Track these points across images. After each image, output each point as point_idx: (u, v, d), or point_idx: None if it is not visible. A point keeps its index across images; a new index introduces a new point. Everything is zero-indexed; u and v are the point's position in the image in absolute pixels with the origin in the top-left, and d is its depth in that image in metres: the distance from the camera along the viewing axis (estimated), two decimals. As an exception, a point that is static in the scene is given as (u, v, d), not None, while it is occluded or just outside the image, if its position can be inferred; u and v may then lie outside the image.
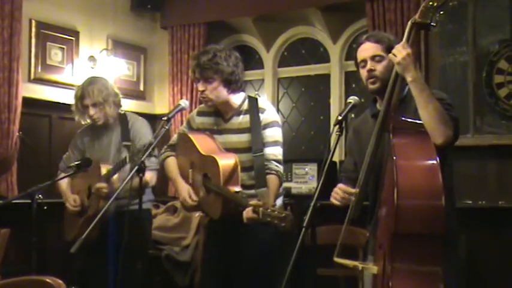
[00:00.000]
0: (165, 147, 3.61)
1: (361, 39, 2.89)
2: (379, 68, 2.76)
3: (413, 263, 2.38)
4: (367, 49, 2.81)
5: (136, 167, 3.07)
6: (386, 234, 2.44)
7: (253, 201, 2.95)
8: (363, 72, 2.81)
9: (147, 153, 3.17)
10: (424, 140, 2.50)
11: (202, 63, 3.26)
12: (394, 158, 2.40)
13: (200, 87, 3.32)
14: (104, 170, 3.95)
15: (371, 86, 2.79)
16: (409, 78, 2.55)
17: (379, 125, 2.59)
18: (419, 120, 2.56)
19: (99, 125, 4.08)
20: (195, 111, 3.57)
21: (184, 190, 3.37)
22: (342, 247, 2.66)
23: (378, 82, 2.76)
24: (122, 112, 4.14)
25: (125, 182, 3.14)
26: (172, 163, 3.52)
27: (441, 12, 2.57)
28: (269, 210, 2.83)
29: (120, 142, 4.07)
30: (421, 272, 2.38)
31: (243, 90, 3.45)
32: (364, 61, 2.80)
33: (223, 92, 3.32)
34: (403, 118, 2.59)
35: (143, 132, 4.06)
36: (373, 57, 2.78)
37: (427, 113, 2.52)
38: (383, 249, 2.46)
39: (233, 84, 3.32)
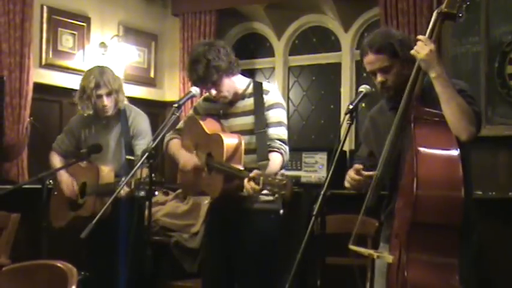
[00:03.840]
0: (172, 131, 3.62)
1: (363, 45, 2.79)
2: (390, 77, 2.70)
3: (429, 253, 2.38)
4: (372, 62, 2.72)
5: (146, 153, 3.07)
6: (403, 224, 2.44)
7: (254, 172, 2.95)
8: (375, 80, 2.76)
9: (158, 139, 3.18)
10: (445, 131, 2.47)
11: (202, 74, 3.24)
12: (415, 147, 2.40)
13: (213, 92, 3.33)
14: (103, 171, 3.97)
15: (385, 95, 2.76)
16: (432, 75, 2.51)
17: (401, 115, 2.57)
18: (440, 110, 2.54)
19: (101, 117, 4.08)
20: (201, 98, 3.59)
21: (186, 157, 3.39)
22: (356, 236, 2.66)
23: (392, 90, 2.72)
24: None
25: (135, 169, 3.14)
26: (175, 143, 3.56)
27: (468, 3, 2.53)
28: (269, 179, 2.83)
29: (119, 140, 4.08)
30: (437, 263, 2.38)
31: (246, 75, 3.47)
32: (373, 72, 2.75)
33: (232, 84, 3.35)
34: (425, 108, 2.57)
35: (143, 129, 4.08)
36: (380, 70, 2.71)
37: (450, 110, 2.48)
38: (399, 238, 2.46)
39: (233, 69, 3.33)
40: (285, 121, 3.38)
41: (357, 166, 2.75)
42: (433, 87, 2.55)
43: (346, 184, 2.79)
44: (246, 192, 3.00)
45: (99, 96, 3.97)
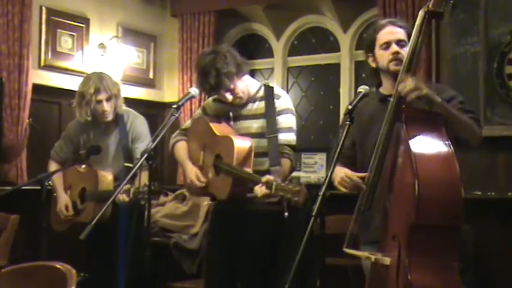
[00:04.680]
0: (178, 131, 3.62)
1: (380, 22, 2.94)
2: (403, 52, 2.79)
3: (431, 255, 2.39)
4: (394, 32, 2.86)
5: (145, 155, 3.07)
6: (402, 226, 2.43)
7: (266, 177, 2.95)
8: (384, 54, 2.85)
9: (156, 141, 3.17)
10: (436, 130, 2.51)
11: (215, 84, 3.25)
12: (411, 148, 2.41)
13: (229, 97, 3.33)
14: (103, 177, 3.97)
15: (394, 67, 2.81)
16: (437, 101, 2.57)
17: (391, 115, 2.59)
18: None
19: (100, 122, 4.08)
20: (210, 98, 3.59)
21: (192, 172, 3.38)
22: (352, 238, 2.66)
23: (400, 65, 2.76)
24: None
25: (134, 170, 3.14)
26: (182, 147, 3.54)
27: (451, 1, 2.57)
28: (282, 185, 2.83)
29: (118, 145, 4.08)
30: (439, 263, 2.39)
31: (254, 77, 3.47)
32: (388, 43, 2.84)
33: (245, 84, 3.36)
34: (415, 108, 2.59)
35: (142, 132, 4.09)
36: (398, 42, 2.83)
37: (461, 127, 2.66)
38: (397, 240, 2.45)
39: (243, 70, 3.35)
40: (295, 127, 3.39)
41: (348, 173, 2.76)
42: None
43: (339, 187, 2.80)
44: (255, 195, 3.00)
45: (99, 102, 3.97)
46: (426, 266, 2.38)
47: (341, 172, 2.79)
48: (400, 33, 2.86)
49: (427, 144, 2.46)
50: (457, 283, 2.39)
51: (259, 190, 2.97)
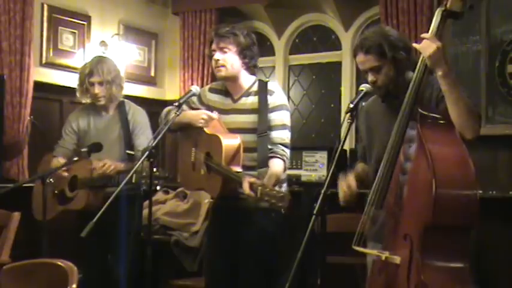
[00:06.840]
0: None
1: (356, 44, 2.85)
2: (380, 77, 2.75)
3: (444, 256, 2.37)
4: (362, 62, 2.79)
5: (147, 153, 3.07)
6: (416, 225, 2.41)
7: (251, 179, 2.94)
8: (367, 78, 2.82)
9: (158, 138, 3.17)
10: (450, 130, 2.49)
11: (220, 32, 3.31)
12: (427, 148, 2.39)
13: (216, 56, 3.32)
14: (96, 164, 3.90)
15: (377, 93, 2.82)
16: (439, 73, 2.52)
17: (405, 116, 2.56)
18: (438, 108, 2.57)
19: (98, 106, 4.08)
20: (207, 86, 3.57)
21: (197, 112, 3.39)
22: (362, 236, 2.64)
23: (383, 89, 2.76)
24: (121, 99, 4.15)
25: (135, 167, 3.14)
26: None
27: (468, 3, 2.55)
28: (267, 190, 2.83)
29: (119, 133, 4.08)
30: (451, 265, 2.38)
31: (255, 74, 3.44)
32: (365, 72, 2.80)
33: (237, 63, 3.32)
34: (428, 108, 2.57)
35: (143, 123, 4.10)
36: (370, 70, 2.77)
37: (458, 110, 2.50)
38: (409, 239, 2.43)
39: (247, 58, 3.33)
40: (289, 123, 3.35)
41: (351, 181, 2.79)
42: (428, 86, 2.57)
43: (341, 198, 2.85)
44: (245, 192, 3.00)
45: (92, 84, 4.02)
46: (439, 266, 2.36)
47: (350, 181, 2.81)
48: (369, 61, 2.75)
49: (442, 144, 2.43)
50: (468, 284, 2.38)
51: (244, 189, 2.95)
